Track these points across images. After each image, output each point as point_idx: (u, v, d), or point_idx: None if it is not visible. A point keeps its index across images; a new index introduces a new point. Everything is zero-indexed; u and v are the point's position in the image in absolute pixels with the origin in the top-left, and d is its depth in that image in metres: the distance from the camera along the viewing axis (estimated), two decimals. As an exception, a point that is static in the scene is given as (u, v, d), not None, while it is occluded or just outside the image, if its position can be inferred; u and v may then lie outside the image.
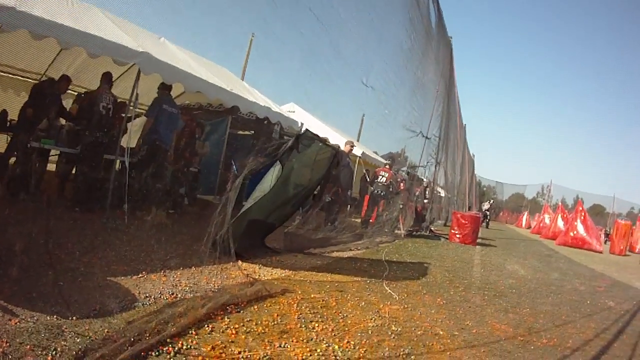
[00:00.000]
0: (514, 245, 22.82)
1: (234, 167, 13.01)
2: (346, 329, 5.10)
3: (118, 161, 9.31)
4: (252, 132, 16.38)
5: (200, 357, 3.81)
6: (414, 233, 18.01)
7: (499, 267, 12.75)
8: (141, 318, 4.40)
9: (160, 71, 9.09)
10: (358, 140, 23.27)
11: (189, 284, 5.80)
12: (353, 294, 6.66)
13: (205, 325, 4.49)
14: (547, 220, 39.82)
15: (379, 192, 15.67)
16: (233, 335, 4.37)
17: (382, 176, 15.80)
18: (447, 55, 22.12)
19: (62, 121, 10.36)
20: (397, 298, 6.93)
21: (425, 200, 22.11)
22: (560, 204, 37.49)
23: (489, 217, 37.62)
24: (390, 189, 15.82)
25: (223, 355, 3.95)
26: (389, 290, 7.26)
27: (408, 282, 8.37)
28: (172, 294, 5.31)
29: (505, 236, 29.65)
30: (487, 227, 34.58)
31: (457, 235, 17.63)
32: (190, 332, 4.26)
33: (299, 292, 6.27)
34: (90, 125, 9.14)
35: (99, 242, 6.82)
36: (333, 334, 4.86)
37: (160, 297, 5.13)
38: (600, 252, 27.00)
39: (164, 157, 10.27)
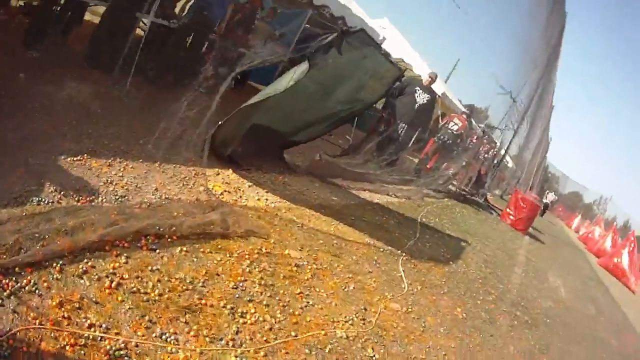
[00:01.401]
0: (562, 250, 20.45)
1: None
2: (291, 333, 3.18)
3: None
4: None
5: (32, 314, 2.31)
6: (468, 196, 15.66)
7: (541, 276, 10.50)
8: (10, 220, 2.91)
9: None
10: (446, 82, 20.93)
11: (129, 184, 4.08)
12: (347, 266, 4.66)
13: (84, 259, 2.86)
14: (596, 234, 37.46)
15: (446, 139, 13.31)
16: (102, 291, 2.68)
17: (455, 124, 13.34)
18: (559, 26, 19.01)
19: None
20: (405, 290, 4.87)
21: (492, 166, 19.51)
22: (614, 225, 34.70)
23: (548, 208, 35.35)
24: (459, 141, 13.52)
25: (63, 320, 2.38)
26: (401, 272, 5.24)
27: (432, 264, 6.30)
28: (92, 194, 3.66)
29: (555, 234, 26.96)
30: (541, 216, 31.90)
31: (511, 217, 15.27)
32: (55, 264, 2.70)
33: (272, 240, 4.31)
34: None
35: (71, 107, 5.03)
36: (258, 338, 2.96)
37: (75, 194, 3.57)
38: (634, 292, 24.61)
39: (208, 30, 8.63)
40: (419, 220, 8.29)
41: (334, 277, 4.26)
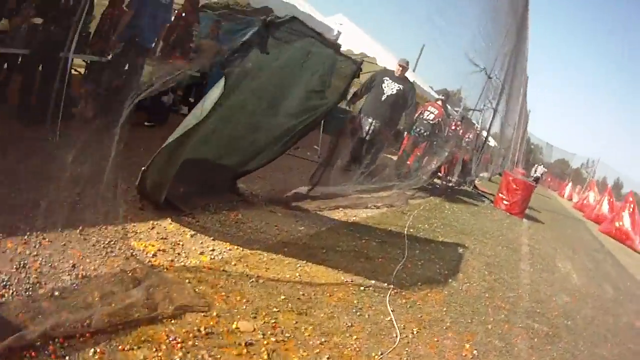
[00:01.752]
0: (561, 226, 19.35)
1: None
2: None
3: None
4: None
5: None
6: (456, 187, 14.86)
7: (549, 264, 9.65)
8: None
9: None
10: (414, 71, 19.89)
11: (44, 265, 3.13)
12: (318, 325, 3.60)
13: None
14: (591, 199, 36.63)
15: (422, 131, 12.10)
16: None
17: (430, 112, 12.17)
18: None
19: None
20: (398, 340, 3.82)
21: (475, 150, 18.60)
22: (609, 187, 33.64)
23: (539, 181, 34.77)
24: (438, 131, 12.38)
25: None
26: (391, 315, 4.19)
27: (428, 290, 5.26)
28: (2, 288, 2.76)
29: (550, 208, 26.07)
30: None
31: (504, 202, 14.34)
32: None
33: (215, 312, 3.26)
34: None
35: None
36: None
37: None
38: None
39: (143, 57, 7.67)
40: (405, 232, 7.28)
41: (301, 349, 3.20)
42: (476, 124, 19.05)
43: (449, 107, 14.06)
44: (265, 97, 5.16)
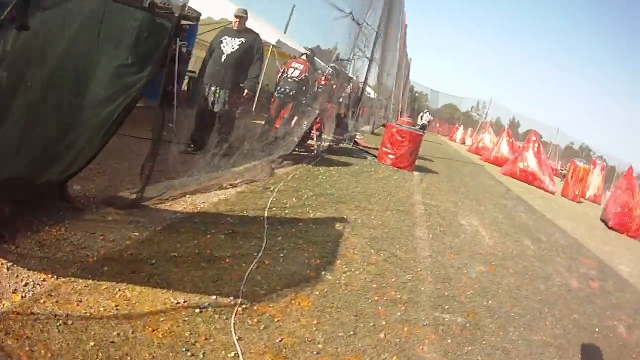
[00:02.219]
0: (458, 173, 19.05)
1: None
2: None
3: None
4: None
5: None
6: (334, 146, 14.12)
7: (452, 224, 9.08)
8: None
9: None
10: (285, 32, 18.70)
11: None
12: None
13: None
14: (487, 141, 37.12)
15: (287, 90, 11.07)
16: None
17: (295, 69, 11.15)
18: None
19: None
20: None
21: (353, 104, 17.81)
22: (506, 127, 33.86)
23: (426, 128, 35.08)
24: (304, 88, 11.30)
25: None
26: (236, 347, 3.18)
27: (293, 292, 4.25)
28: None
29: (443, 154, 26.07)
30: None
31: (390, 156, 13.82)
32: None
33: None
34: None
35: None
36: None
37: None
38: (553, 194, 24.12)
39: None
40: (265, 215, 6.16)
41: None
42: (353, 77, 18.19)
43: (318, 60, 13.18)
44: (65, 87, 4.07)
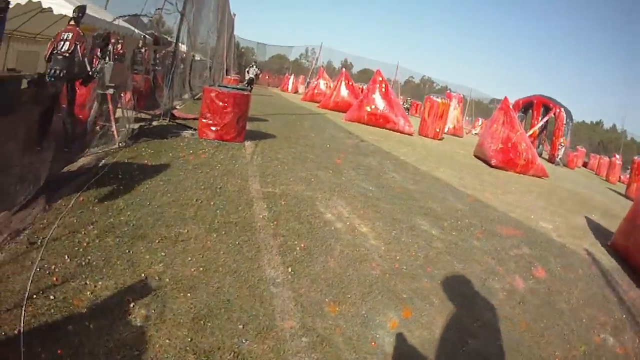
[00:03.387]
0: (300, 130, 15.90)
1: None
2: None
3: None
4: None
5: None
6: (146, 126, 10.85)
7: (313, 224, 6.50)
8: None
9: None
10: (106, 8, 15.04)
11: None
12: None
13: None
14: (322, 87, 34.74)
15: (57, 72, 7.81)
16: None
17: (64, 41, 7.83)
18: None
19: None
20: None
21: (168, 70, 13.96)
22: (344, 71, 31.03)
23: (254, 83, 31.78)
24: (76, 60, 7.96)
25: None
26: None
27: None
28: None
29: (278, 109, 22.61)
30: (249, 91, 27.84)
31: (213, 128, 10.72)
32: None
33: None
34: None
35: None
36: None
37: None
38: (411, 135, 22.26)
39: None
40: (22, 319, 3.25)
41: None
42: (168, 37, 15.56)
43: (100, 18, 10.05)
44: None
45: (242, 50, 62.68)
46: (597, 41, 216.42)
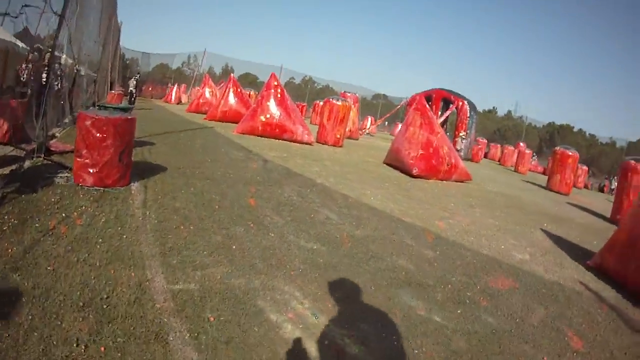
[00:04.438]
0: (191, 152, 12.56)
1: None
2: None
3: None
4: None
5: None
6: (18, 170, 7.66)
7: (257, 341, 4.06)
8: None
9: None
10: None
11: None
12: None
13: None
14: (208, 95, 31.33)
15: None
16: None
17: None
18: None
19: None
20: None
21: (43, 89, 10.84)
22: (232, 76, 27.11)
23: (135, 94, 30.24)
24: None
25: None
26: None
27: None
28: None
29: (163, 125, 18.50)
30: (132, 104, 25.80)
31: (90, 170, 7.54)
32: None
33: None
34: None
35: None
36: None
37: None
38: (311, 144, 19.45)
39: None
40: None
41: None
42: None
43: None
44: None
45: (127, 61, 58.74)
46: (474, 25, 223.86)
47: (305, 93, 70.58)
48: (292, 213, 7.97)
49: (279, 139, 18.35)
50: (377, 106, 67.26)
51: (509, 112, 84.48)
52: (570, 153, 22.49)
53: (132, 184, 8.00)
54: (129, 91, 26.81)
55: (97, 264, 4.81)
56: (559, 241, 10.08)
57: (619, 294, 7.21)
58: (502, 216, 11.66)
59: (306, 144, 18.78)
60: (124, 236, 5.68)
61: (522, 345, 4.85)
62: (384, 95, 74.26)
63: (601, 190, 41.43)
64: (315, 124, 27.78)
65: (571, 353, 4.96)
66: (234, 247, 5.97)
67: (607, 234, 9.30)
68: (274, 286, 5.06)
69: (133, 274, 4.75)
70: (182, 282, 4.75)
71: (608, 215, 16.52)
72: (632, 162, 15.70)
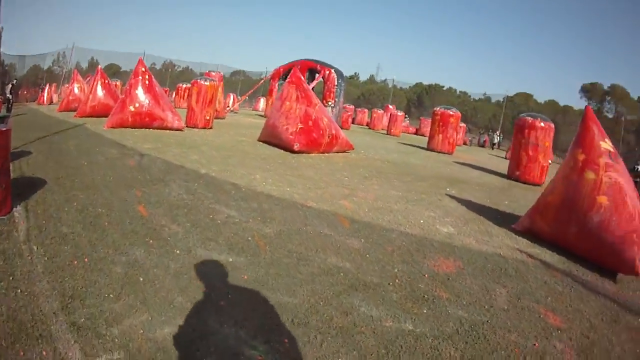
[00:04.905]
0: (66, 156, 10.66)
1: None
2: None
3: None
4: None
5: None
6: None
7: None
8: None
9: None
10: None
11: None
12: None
13: None
14: (76, 91, 28.13)
15: None
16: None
17: None
18: None
19: None
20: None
21: None
22: (99, 68, 24.58)
23: (12, 101, 27.90)
24: None
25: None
26: None
27: None
28: None
29: (35, 129, 15.28)
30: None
31: None
32: None
33: None
34: None
35: None
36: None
37: None
38: (182, 129, 17.91)
39: None
40: None
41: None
42: None
43: None
44: None
45: (7, 67, 54.13)
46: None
47: (167, 78, 68.72)
48: (188, 217, 6.90)
49: (149, 128, 16.79)
50: (236, 83, 66.68)
51: (372, 76, 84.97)
52: (451, 113, 22.93)
53: (14, 209, 6.47)
54: (7, 98, 24.64)
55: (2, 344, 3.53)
56: (471, 206, 9.84)
57: (562, 257, 6.98)
58: (402, 185, 11.25)
59: (177, 129, 17.36)
60: (19, 291, 4.32)
61: (507, 335, 4.42)
62: (243, 71, 73.49)
63: (481, 145, 42.70)
64: (180, 107, 27.53)
65: (555, 331, 4.66)
66: (141, 279, 4.78)
67: (512, 191, 9.48)
68: (209, 330, 4.01)
69: (44, 352, 3.51)
70: (102, 352, 3.57)
71: (502, 172, 16.84)
72: (529, 118, 15.74)
